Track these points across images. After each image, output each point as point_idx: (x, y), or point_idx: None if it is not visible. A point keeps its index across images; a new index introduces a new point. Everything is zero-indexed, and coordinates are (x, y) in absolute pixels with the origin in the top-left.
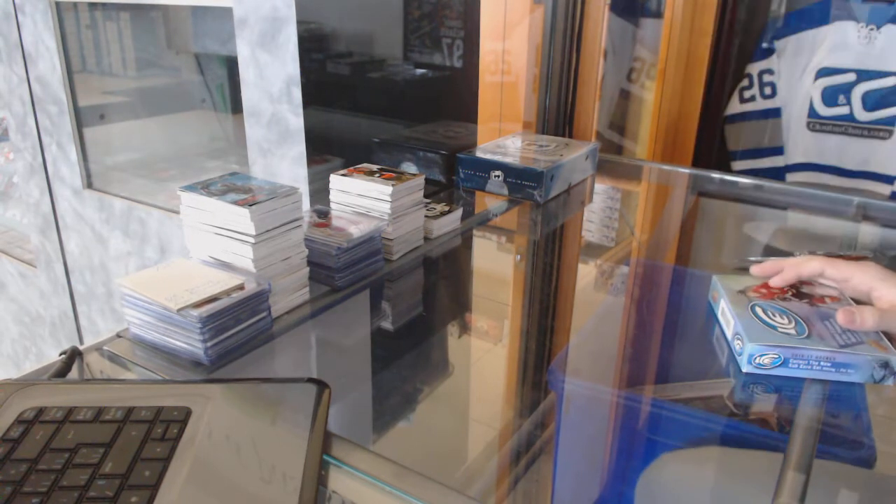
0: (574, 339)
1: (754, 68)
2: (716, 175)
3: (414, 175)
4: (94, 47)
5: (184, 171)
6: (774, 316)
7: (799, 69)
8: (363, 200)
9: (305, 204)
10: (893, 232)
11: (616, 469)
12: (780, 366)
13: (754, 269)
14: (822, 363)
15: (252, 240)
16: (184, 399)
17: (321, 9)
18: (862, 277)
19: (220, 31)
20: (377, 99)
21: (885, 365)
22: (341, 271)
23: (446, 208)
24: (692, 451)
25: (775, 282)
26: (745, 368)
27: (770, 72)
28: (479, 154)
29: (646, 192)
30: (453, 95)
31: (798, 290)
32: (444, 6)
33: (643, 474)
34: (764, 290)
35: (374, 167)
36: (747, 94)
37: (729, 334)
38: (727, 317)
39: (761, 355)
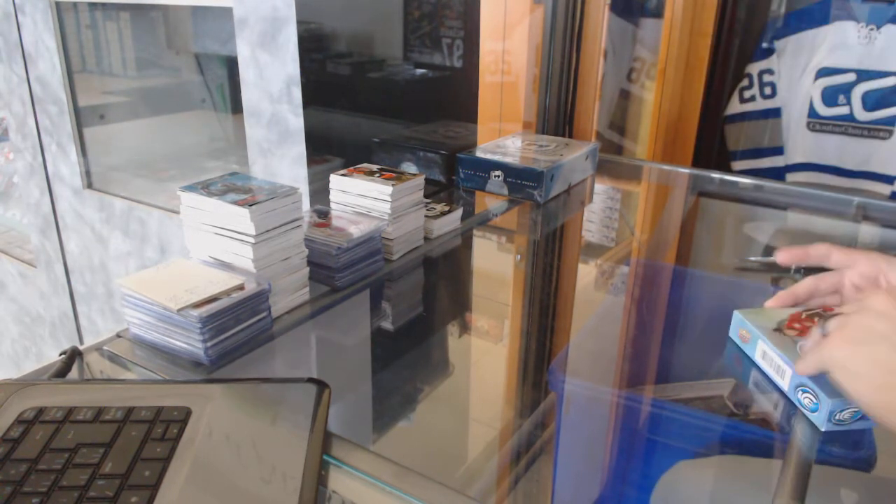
0: (574, 339)
1: (754, 68)
2: (716, 175)
3: (414, 175)
4: (94, 47)
5: (184, 171)
6: None
7: (799, 69)
8: (363, 200)
9: (305, 204)
10: (893, 232)
11: (616, 469)
12: (860, 419)
13: (769, 304)
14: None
15: (252, 240)
16: (184, 399)
17: (321, 9)
18: (869, 263)
19: (220, 31)
20: (377, 99)
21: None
22: (341, 271)
23: (446, 208)
24: (709, 460)
25: (784, 258)
26: (825, 427)
27: (770, 72)
28: (479, 154)
29: (646, 192)
30: (453, 95)
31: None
32: (444, 6)
33: (659, 483)
34: (798, 325)
35: (374, 167)
36: (747, 94)
37: (785, 385)
38: (776, 363)
39: (841, 411)
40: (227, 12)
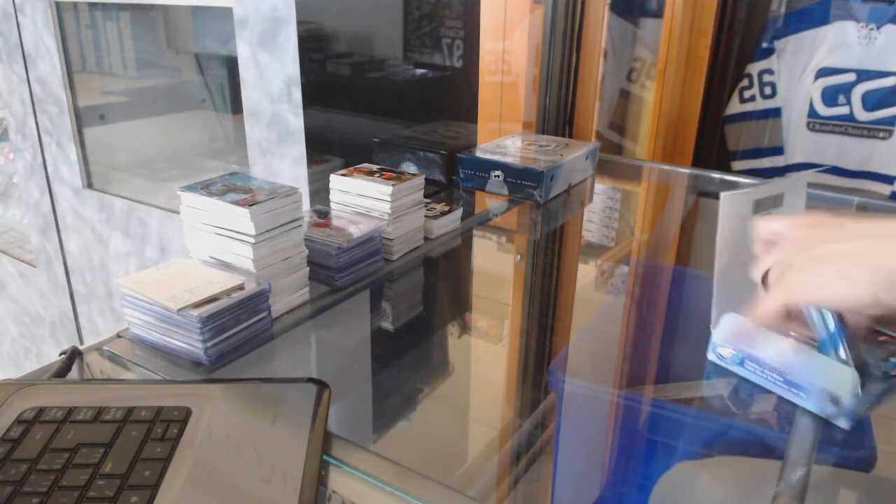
0: (574, 339)
1: (754, 68)
2: (716, 175)
3: (414, 175)
4: (94, 47)
5: (184, 171)
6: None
7: (799, 69)
8: (363, 200)
9: (305, 204)
10: None
11: (616, 469)
12: (737, 364)
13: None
14: (773, 375)
15: (252, 240)
16: (184, 399)
17: (321, 9)
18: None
19: (220, 31)
20: (377, 99)
21: (836, 401)
22: (341, 271)
23: (446, 208)
24: (708, 461)
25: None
26: (710, 356)
27: (770, 72)
28: (479, 154)
29: (646, 192)
30: (453, 95)
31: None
32: (444, 6)
33: (658, 484)
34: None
35: (374, 167)
36: (747, 94)
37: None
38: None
39: (724, 345)
40: (227, 12)
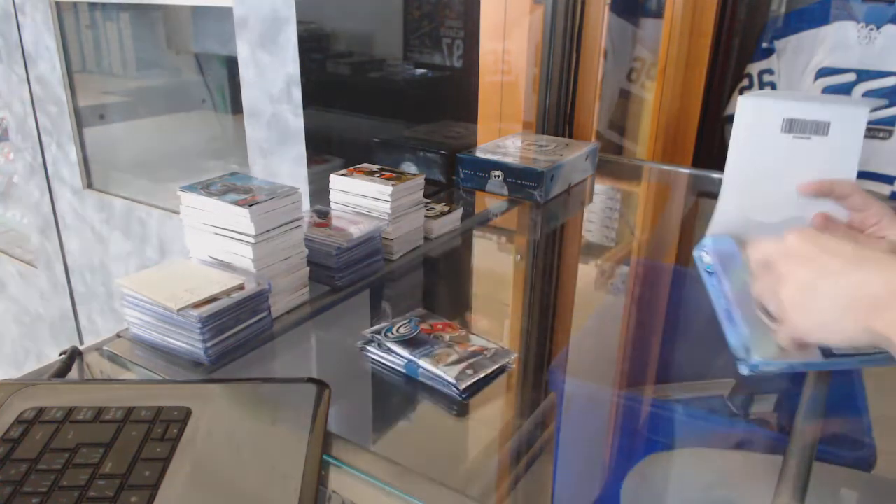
0: (574, 339)
1: (754, 68)
2: (716, 175)
3: (414, 175)
4: (94, 47)
5: (184, 171)
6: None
7: (799, 69)
8: (363, 200)
9: (305, 204)
10: None
11: (616, 469)
12: (707, 272)
13: (803, 189)
14: (723, 300)
15: (252, 240)
16: (184, 399)
17: (321, 9)
18: (874, 214)
19: (220, 31)
20: (377, 99)
21: (747, 352)
22: (341, 271)
23: (446, 208)
24: (679, 452)
25: (806, 189)
26: (695, 252)
27: (770, 72)
28: (479, 154)
29: (646, 192)
30: (453, 95)
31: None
32: (444, 6)
33: (629, 475)
34: None
35: (374, 167)
36: (747, 94)
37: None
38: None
39: (708, 253)
40: (227, 12)
